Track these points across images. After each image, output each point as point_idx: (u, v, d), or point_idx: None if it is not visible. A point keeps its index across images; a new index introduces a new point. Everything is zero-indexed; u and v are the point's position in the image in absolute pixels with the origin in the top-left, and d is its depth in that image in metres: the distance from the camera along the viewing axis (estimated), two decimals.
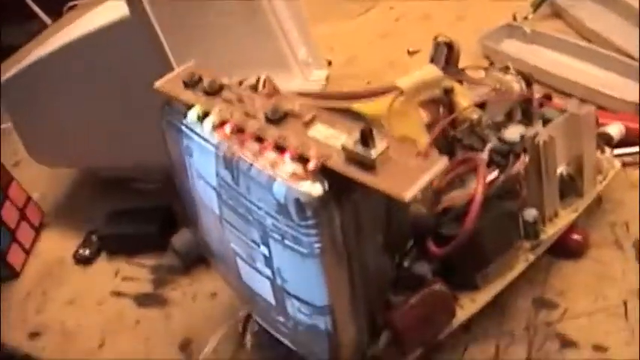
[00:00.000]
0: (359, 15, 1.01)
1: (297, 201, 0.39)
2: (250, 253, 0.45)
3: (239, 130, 0.42)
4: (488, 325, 0.55)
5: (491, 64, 0.70)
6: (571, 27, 0.86)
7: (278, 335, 0.49)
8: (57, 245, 0.75)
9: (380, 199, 0.43)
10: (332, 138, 0.40)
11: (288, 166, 0.39)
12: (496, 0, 0.94)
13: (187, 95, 0.46)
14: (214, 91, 0.46)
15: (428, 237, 0.48)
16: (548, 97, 0.60)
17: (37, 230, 0.76)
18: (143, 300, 0.67)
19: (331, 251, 0.40)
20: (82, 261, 0.72)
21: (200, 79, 0.47)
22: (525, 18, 0.87)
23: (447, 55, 0.59)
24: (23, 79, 0.72)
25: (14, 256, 0.72)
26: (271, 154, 0.40)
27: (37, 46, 0.79)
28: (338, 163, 0.38)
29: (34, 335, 0.66)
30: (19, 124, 0.76)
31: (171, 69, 0.57)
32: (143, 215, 0.72)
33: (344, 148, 0.39)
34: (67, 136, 0.74)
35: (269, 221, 0.41)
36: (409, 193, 0.36)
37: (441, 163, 0.38)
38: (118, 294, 0.68)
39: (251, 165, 0.41)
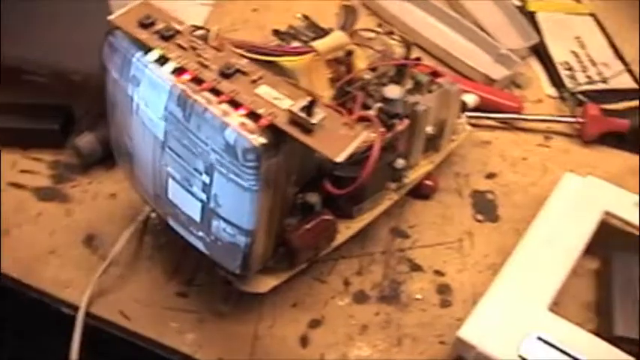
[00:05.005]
0: None
1: (245, 147, 0.47)
2: (188, 178, 0.53)
3: (196, 79, 0.50)
4: (353, 248, 0.66)
5: (380, 25, 0.80)
6: None
7: (191, 240, 0.58)
8: None
9: (298, 149, 0.53)
10: (277, 99, 0.49)
11: (240, 117, 0.48)
12: None
13: (143, 36, 0.52)
14: (169, 35, 0.53)
15: (325, 177, 0.59)
16: (417, 60, 0.72)
17: None
18: (43, 194, 0.70)
19: (264, 188, 0.49)
20: None
21: (154, 22, 0.53)
22: None
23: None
24: None
25: None
26: (225, 106, 0.49)
27: None
28: (283, 123, 0.48)
29: None
30: None
31: None
32: (42, 111, 0.74)
33: (290, 112, 0.48)
34: None
35: (213, 156, 0.50)
36: (340, 156, 0.47)
37: (363, 134, 0.49)
38: (17, 185, 0.71)
39: (205, 109, 0.49)
